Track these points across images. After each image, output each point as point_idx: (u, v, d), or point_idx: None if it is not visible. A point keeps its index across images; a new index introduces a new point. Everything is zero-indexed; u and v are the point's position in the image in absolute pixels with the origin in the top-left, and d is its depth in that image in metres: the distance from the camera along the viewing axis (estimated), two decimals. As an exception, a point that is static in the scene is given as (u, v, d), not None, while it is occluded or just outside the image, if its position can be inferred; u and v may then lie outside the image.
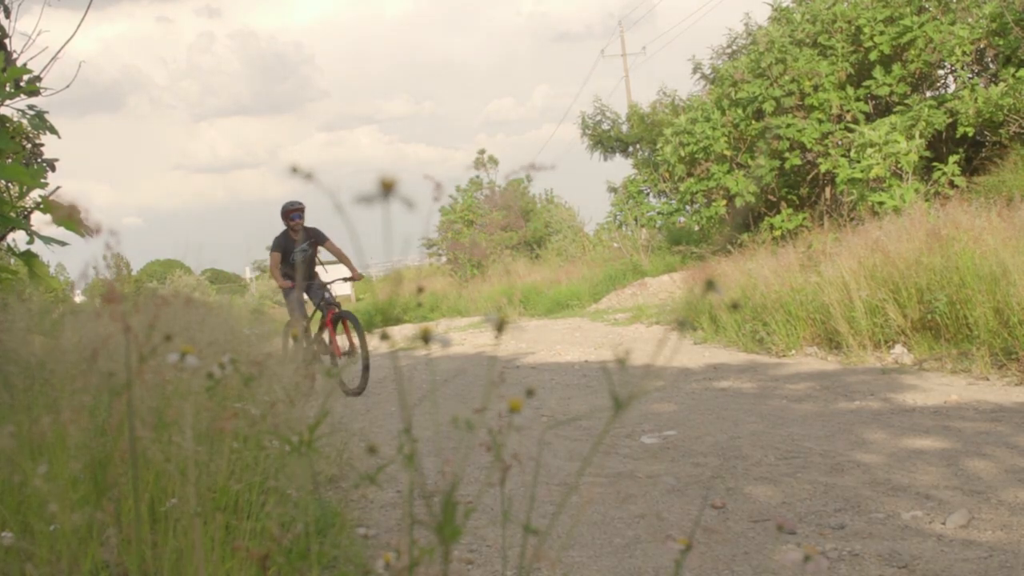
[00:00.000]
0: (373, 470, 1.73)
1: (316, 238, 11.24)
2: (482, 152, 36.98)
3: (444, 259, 34.08)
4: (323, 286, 11.06)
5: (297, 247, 11.10)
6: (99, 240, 1.51)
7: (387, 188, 1.15)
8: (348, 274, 11.30)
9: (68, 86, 5.81)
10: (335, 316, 10.79)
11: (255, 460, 3.26)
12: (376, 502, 5.02)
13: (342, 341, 10.70)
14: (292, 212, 10.98)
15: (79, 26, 6.02)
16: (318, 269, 11.66)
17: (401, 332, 17.63)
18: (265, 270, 54.22)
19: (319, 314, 11.22)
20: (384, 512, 4.85)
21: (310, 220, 11.07)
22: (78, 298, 8.82)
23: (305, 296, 11.42)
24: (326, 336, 10.92)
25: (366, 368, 10.23)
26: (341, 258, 11.35)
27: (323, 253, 11.59)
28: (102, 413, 2.82)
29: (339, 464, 4.69)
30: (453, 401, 8.32)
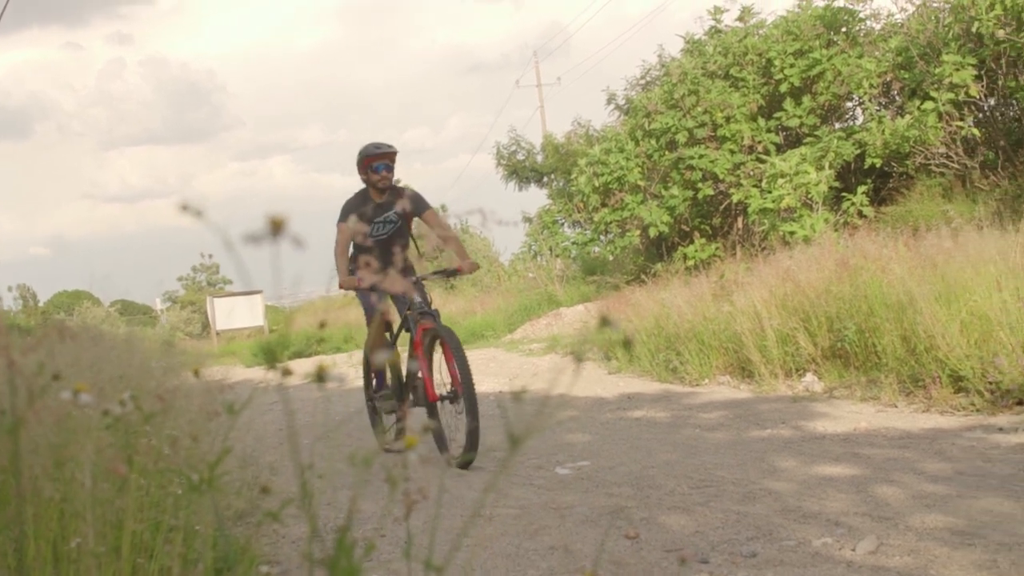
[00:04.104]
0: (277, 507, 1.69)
1: (412, 205, 7.69)
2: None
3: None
4: (417, 283, 7.35)
5: (380, 216, 7.59)
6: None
7: (276, 227, 1.12)
8: (442, 265, 7.69)
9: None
10: (429, 335, 7.16)
11: (161, 497, 3.19)
12: (287, 537, 4.95)
13: (440, 375, 7.16)
14: (376, 160, 7.46)
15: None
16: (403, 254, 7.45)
17: (317, 363, 17.46)
18: (177, 301, 53.40)
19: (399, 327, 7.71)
20: (295, 547, 4.77)
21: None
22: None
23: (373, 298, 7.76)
24: (407, 366, 7.53)
25: (472, 416, 6.55)
26: (445, 241, 7.84)
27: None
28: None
29: (249, 499, 4.60)
30: (367, 432, 8.24)
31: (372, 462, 1.41)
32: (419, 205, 7.70)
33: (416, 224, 8.06)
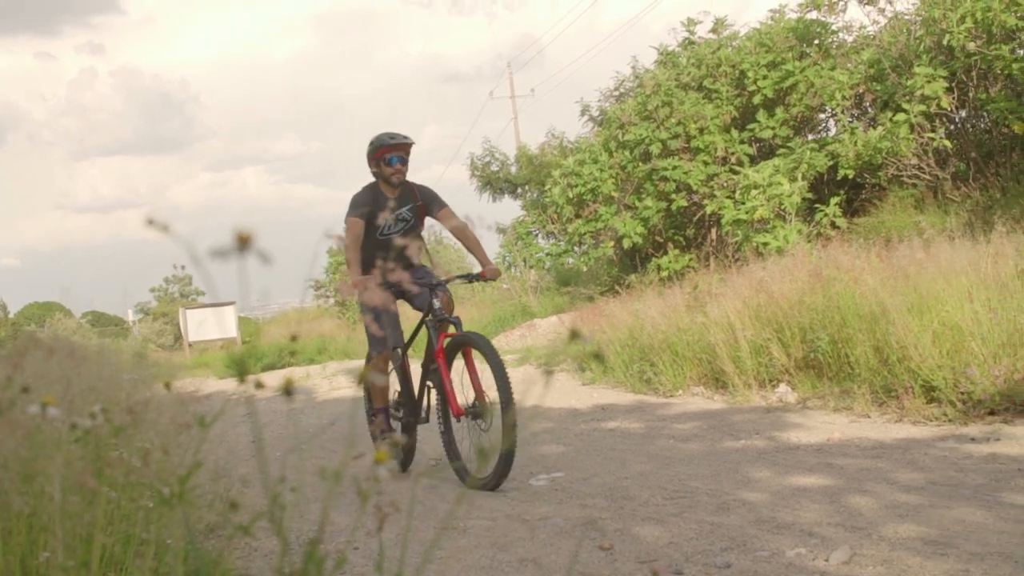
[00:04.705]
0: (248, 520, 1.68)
1: (425, 202, 7.18)
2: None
3: (332, 301, 33.77)
4: (433, 285, 6.84)
5: (391, 213, 7.09)
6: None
7: (243, 242, 1.11)
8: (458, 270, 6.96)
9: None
10: (454, 343, 6.62)
11: (131, 510, 3.16)
12: (260, 550, 4.92)
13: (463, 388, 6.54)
14: (389, 151, 6.91)
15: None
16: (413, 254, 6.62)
17: (289, 375, 17.41)
18: (149, 312, 52.99)
19: (414, 334, 7.29)
20: (267, 560, 4.75)
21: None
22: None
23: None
24: (424, 379, 7.01)
25: (510, 434, 5.99)
26: (466, 241, 7.29)
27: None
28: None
29: (221, 512, 4.58)
30: (339, 444, 8.21)
31: (342, 475, 1.40)
32: (435, 202, 7.21)
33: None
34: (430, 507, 5.86)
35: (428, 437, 7.44)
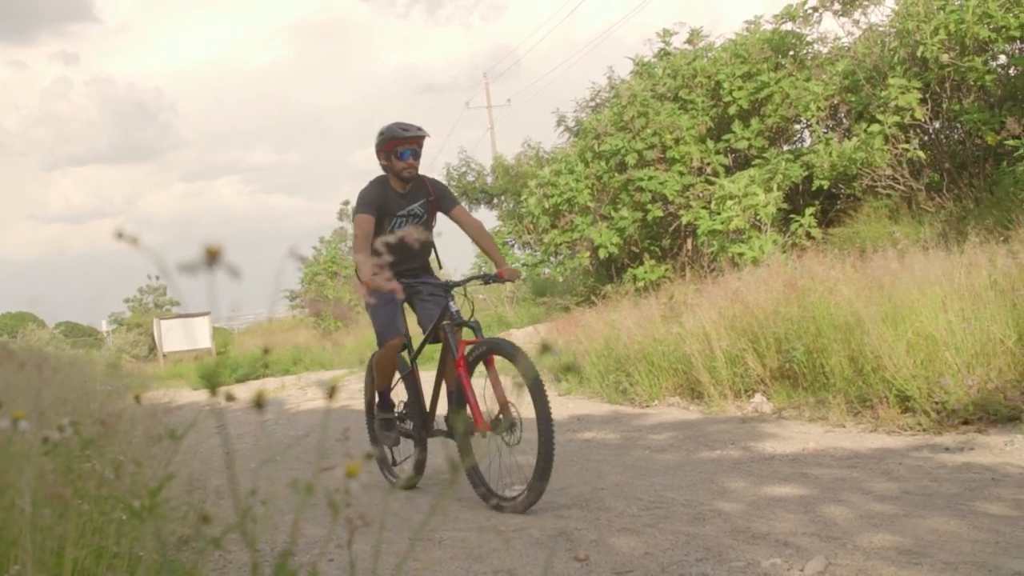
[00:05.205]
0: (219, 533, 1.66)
1: (438, 197, 6.70)
2: (346, 203, 36.75)
3: (308, 311, 33.67)
4: (444, 289, 6.41)
5: (403, 209, 6.56)
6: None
7: (212, 257, 1.10)
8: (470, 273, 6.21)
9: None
10: (476, 353, 6.06)
11: (103, 524, 3.14)
12: (233, 563, 4.88)
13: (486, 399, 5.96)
14: (403, 144, 6.40)
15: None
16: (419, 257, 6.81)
17: (262, 387, 17.34)
18: (123, 323, 52.64)
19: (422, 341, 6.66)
20: (240, 572, 4.72)
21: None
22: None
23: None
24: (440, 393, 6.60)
25: (546, 456, 5.52)
26: (481, 241, 6.74)
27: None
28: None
29: (193, 524, 4.55)
30: (313, 455, 8.17)
31: (315, 487, 1.39)
32: (448, 198, 6.74)
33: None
34: (405, 518, 5.84)
35: (438, 450, 7.28)
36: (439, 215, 6.76)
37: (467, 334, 6.25)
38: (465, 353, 6.08)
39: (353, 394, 14.98)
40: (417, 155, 6.45)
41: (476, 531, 5.29)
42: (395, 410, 6.99)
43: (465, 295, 6.45)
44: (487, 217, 33.88)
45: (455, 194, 6.85)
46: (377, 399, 6.93)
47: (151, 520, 1.61)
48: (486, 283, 6.71)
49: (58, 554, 2.77)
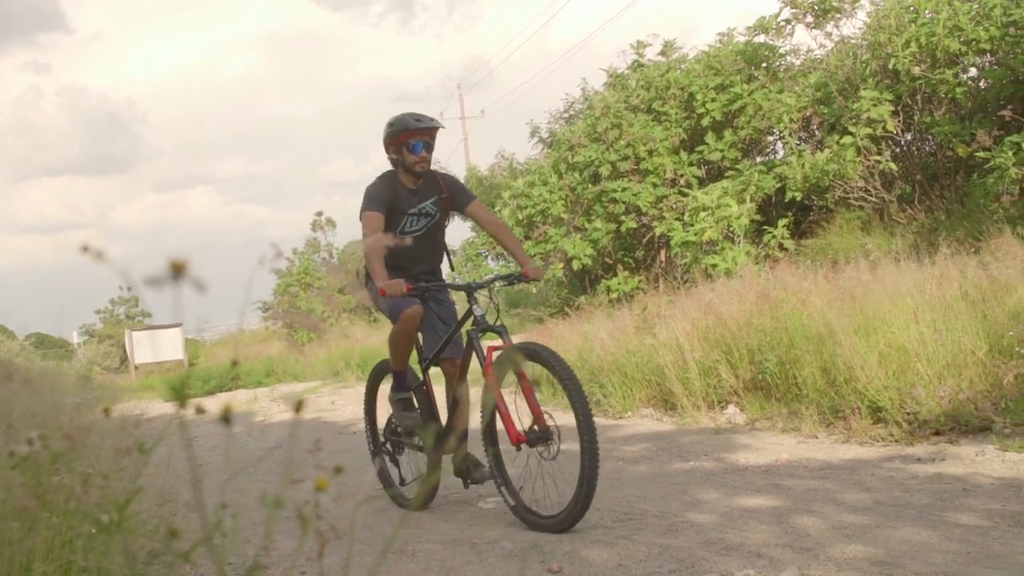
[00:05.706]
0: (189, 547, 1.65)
1: (451, 193, 6.29)
2: (319, 214, 36.57)
3: (280, 323, 33.49)
4: (472, 288, 5.95)
5: (414, 206, 6.12)
6: None
7: (178, 270, 1.09)
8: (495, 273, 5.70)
9: None
10: (507, 357, 5.56)
11: (71, 538, 3.11)
12: None
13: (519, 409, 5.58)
14: (416, 136, 5.98)
15: None
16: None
17: (234, 398, 17.29)
18: (94, 334, 52.30)
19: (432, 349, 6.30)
20: (211, 586, 4.69)
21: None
22: None
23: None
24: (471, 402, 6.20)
25: (591, 463, 5.17)
26: (502, 238, 6.36)
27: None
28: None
29: (163, 538, 4.51)
30: (283, 467, 8.12)
31: (283, 501, 1.37)
32: (463, 194, 6.34)
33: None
34: (377, 531, 5.81)
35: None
36: (459, 213, 6.48)
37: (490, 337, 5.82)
38: (493, 360, 5.64)
39: (322, 407, 14.95)
40: (430, 148, 6.05)
41: (449, 544, 5.27)
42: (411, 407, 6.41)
43: (491, 297, 5.89)
44: (461, 228, 33.90)
45: (470, 189, 6.47)
46: (392, 381, 6.37)
47: (120, 534, 1.60)
48: (511, 284, 6.17)
49: (26, 568, 2.74)
